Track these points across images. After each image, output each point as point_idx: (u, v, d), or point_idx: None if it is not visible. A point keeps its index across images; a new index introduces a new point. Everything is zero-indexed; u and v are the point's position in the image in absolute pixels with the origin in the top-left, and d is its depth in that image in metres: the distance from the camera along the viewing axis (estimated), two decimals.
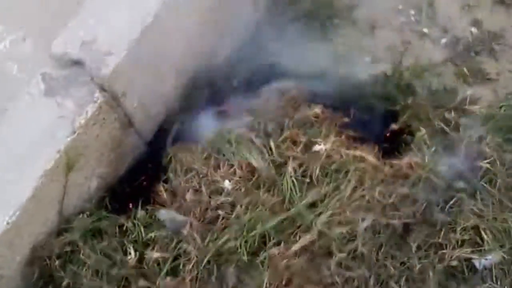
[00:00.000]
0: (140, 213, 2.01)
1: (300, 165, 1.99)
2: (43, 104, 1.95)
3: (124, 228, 1.99)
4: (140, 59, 2.01)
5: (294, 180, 1.95)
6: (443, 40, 2.53)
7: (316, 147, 2.00)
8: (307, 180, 1.96)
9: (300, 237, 1.87)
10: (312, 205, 1.92)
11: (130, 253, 1.93)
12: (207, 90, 2.34)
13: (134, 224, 1.99)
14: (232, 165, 2.00)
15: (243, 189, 1.95)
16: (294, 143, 2.04)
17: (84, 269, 1.89)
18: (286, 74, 2.28)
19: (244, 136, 2.05)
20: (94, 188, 2.09)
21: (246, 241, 1.87)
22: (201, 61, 2.34)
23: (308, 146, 2.03)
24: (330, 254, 1.86)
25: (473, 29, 2.54)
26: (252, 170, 1.99)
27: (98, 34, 1.99)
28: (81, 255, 1.90)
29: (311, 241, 1.85)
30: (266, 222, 1.88)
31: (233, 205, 1.95)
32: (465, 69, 2.41)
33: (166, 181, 2.07)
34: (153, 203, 2.04)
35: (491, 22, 2.55)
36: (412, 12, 2.62)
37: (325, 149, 1.99)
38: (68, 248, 1.92)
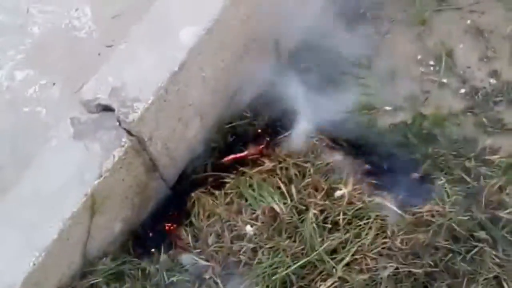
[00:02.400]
0: (163, 257, 2.04)
1: (322, 211, 2.01)
2: (72, 147, 2.00)
3: (147, 272, 2.00)
4: (166, 105, 2.07)
5: (315, 226, 1.96)
6: (462, 90, 2.56)
7: (338, 193, 2.03)
8: (329, 226, 1.98)
9: (321, 284, 1.86)
10: (334, 251, 1.93)
11: None
12: (230, 135, 2.38)
13: (156, 269, 2.00)
14: (254, 210, 2.03)
15: (265, 235, 1.97)
16: (316, 189, 2.06)
17: None
18: (308, 121, 2.32)
19: (267, 181, 2.08)
20: (118, 232, 2.12)
21: (267, 286, 1.88)
22: (225, 107, 2.39)
23: (329, 192, 2.06)
24: None
25: (492, 80, 2.58)
26: (274, 216, 2.01)
27: (126, 81, 2.05)
28: None
29: (333, 287, 1.85)
30: (288, 268, 1.89)
31: (255, 251, 1.96)
32: (484, 119, 2.43)
33: (188, 226, 2.09)
34: (176, 247, 2.06)
35: (509, 73, 2.59)
36: (431, 62, 2.67)
37: (347, 196, 2.01)
38: None
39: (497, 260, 2.01)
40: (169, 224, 2.17)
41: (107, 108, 2.04)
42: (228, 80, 2.35)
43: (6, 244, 1.85)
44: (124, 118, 1.99)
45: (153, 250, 2.09)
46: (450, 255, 2.00)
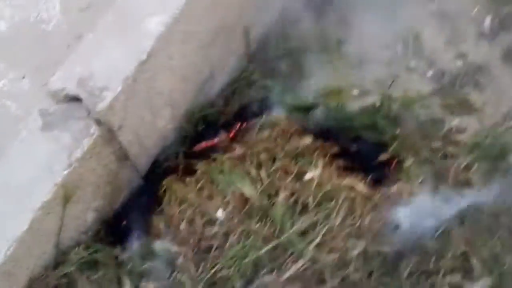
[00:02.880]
0: (135, 245, 2.04)
1: (292, 194, 2.04)
2: (41, 138, 2.00)
3: (120, 260, 2.01)
4: (135, 94, 2.08)
5: (285, 209, 1.99)
6: (429, 73, 2.60)
7: (307, 176, 2.05)
8: (299, 208, 2.01)
9: (292, 265, 1.89)
10: (304, 233, 1.96)
11: (125, 285, 1.95)
12: (201, 123, 2.40)
13: (129, 256, 2.01)
14: (225, 196, 2.05)
15: (236, 219, 1.99)
16: (286, 173, 2.09)
17: None
18: (277, 107, 2.34)
19: (237, 167, 2.10)
20: (90, 221, 2.12)
21: (239, 269, 1.90)
22: (195, 96, 2.41)
23: (299, 175, 2.08)
24: (322, 281, 1.89)
25: (458, 62, 2.62)
26: (245, 200, 2.03)
27: (94, 70, 2.05)
28: (77, 287, 1.92)
29: (304, 268, 1.88)
30: (259, 250, 1.91)
31: (226, 235, 1.98)
32: (451, 101, 2.47)
33: (161, 213, 2.11)
34: (148, 234, 2.07)
35: (475, 55, 2.63)
36: (399, 46, 2.70)
37: (316, 178, 2.04)
38: (64, 280, 1.94)
39: (464, 237, 2.05)
40: (141, 212, 2.16)
41: (76, 98, 2.05)
42: (198, 68, 2.36)
43: None
44: (93, 108, 1.99)
45: (126, 238, 2.09)
46: (418, 233, 2.03)
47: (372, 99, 2.45)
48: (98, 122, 2.02)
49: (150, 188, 2.23)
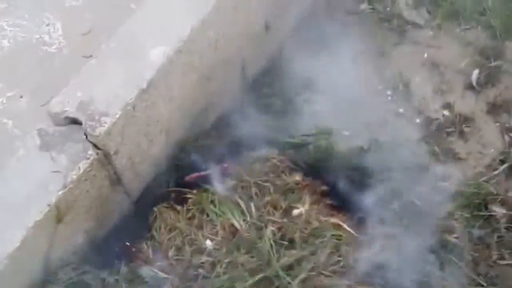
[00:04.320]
0: (123, 269, 2.07)
1: (279, 229, 2.09)
2: (38, 157, 2.04)
3: (106, 282, 2.04)
4: (133, 121, 2.13)
5: (273, 243, 2.04)
6: (417, 120, 2.70)
7: (295, 212, 2.11)
8: (286, 243, 2.06)
9: None
10: (290, 267, 2.01)
11: None
12: (194, 154, 2.45)
13: (116, 280, 2.04)
14: (215, 226, 2.09)
15: (224, 250, 2.03)
16: (275, 207, 2.14)
17: None
18: (270, 142, 2.40)
19: (228, 198, 2.15)
20: (80, 242, 2.15)
21: None
22: (190, 126, 2.47)
23: (287, 211, 2.14)
24: None
25: (445, 112, 2.72)
26: (234, 231, 2.07)
27: (95, 95, 2.11)
28: None
29: None
30: (245, 282, 1.95)
31: (214, 264, 2.02)
32: (436, 148, 2.56)
33: (150, 239, 2.14)
34: (136, 260, 2.10)
35: (461, 106, 2.73)
36: (389, 92, 2.80)
37: (304, 215, 2.10)
38: None
39: (444, 282, 2.11)
40: (131, 237, 2.20)
41: (75, 121, 2.09)
42: (195, 100, 2.43)
43: None
44: (91, 132, 2.04)
45: (114, 261, 2.11)
46: (400, 275, 2.08)
47: (361, 142, 2.52)
48: (96, 146, 2.06)
49: (141, 213, 2.27)
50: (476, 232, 2.23)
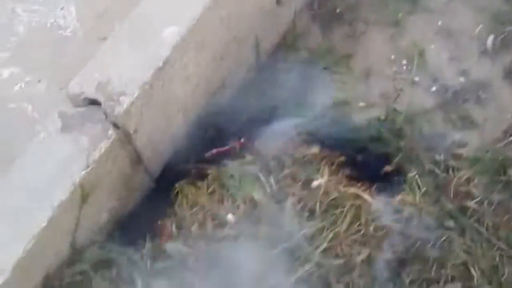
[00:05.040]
0: (147, 246, 2.12)
1: (299, 201, 2.11)
2: (60, 139, 2.07)
3: (132, 260, 2.08)
4: (150, 100, 2.16)
5: (293, 214, 2.07)
6: (433, 88, 2.69)
7: (314, 183, 2.13)
8: (306, 214, 2.08)
9: (299, 268, 1.97)
10: (311, 238, 2.04)
11: (137, 284, 2.02)
12: (212, 130, 2.48)
13: (141, 256, 2.08)
14: (235, 200, 2.12)
15: (245, 223, 2.06)
16: (294, 180, 2.17)
17: None
18: (286, 116, 2.42)
19: (247, 172, 2.18)
20: (104, 222, 2.20)
21: None
22: (206, 104, 2.49)
23: (306, 183, 2.16)
24: (328, 285, 1.96)
25: (461, 79, 2.71)
26: (255, 205, 2.10)
27: (112, 76, 2.13)
28: (91, 284, 1.98)
29: (310, 272, 1.96)
30: (267, 252, 1.99)
31: (236, 238, 2.05)
32: (453, 116, 2.56)
33: (172, 215, 2.18)
34: (160, 236, 2.14)
35: (477, 72, 2.73)
36: (404, 61, 2.79)
37: (323, 186, 2.12)
38: (79, 278, 2.01)
39: (465, 247, 2.12)
40: (153, 215, 2.23)
41: (94, 102, 2.12)
42: (210, 78, 2.44)
43: None
44: (111, 111, 2.07)
45: (138, 239, 2.16)
46: (420, 242, 2.11)
47: (378, 112, 2.53)
48: (115, 126, 2.09)
49: (162, 191, 2.30)
50: (496, 197, 2.23)
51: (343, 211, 2.08)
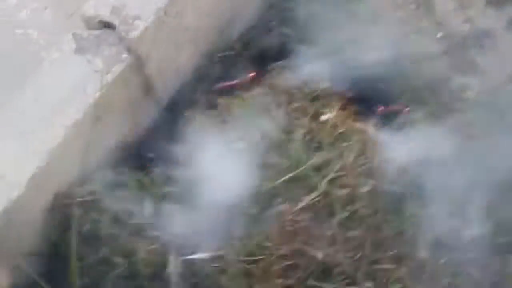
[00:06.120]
0: (158, 171, 2.15)
1: (308, 132, 2.16)
2: (74, 60, 2.09)
3: (143, 183, 2.12)
4: (164, 27, 2.17)
5: (302, 144, 2.11)
6: (439, 34, 2.72)
7: (323, 117, 2.18)
8: (314, 145, 2.13)
9: (306, 196, 2.02)
10: (318, 168, 2.09)
11: (147, 206, 2.06)
12: (221, 64, 2.50)
13: (151, 180, 2.12)
14: (246, 129, 2.16)
15: (255, 151, 2.11)
16: (303, 113, 2.21)
17: (104, 217, 2.02)
18: (294, 53, 2.45)
19: (258, 104, 2.21)
20: (114, 146, 2.22)
21: (255, 198, 2.03)
22: (216, 37, 2.50)
23: (315, 116, 2.20)
24: (332, 213, 2.02)
25: (466, 26, 2.74)
26: (264, 134, 2.14)
27: (126, 1, 2.13)
28: (102, 204, 2.02)
29: (316, 200, 2.02)
30: (275, 181, 2.04)
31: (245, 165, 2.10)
32: (458, 61, 2.60)
33: (182, 143, 2.21)
34: (170, 162, 2.18)
35: (482, 21, 2.76)
36: (411, 7, 2.82)
37: (331, 120, 2.17)
38: (90, 197, 2.05)
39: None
40: (162, 142, 2.26)
41: (108, 25, 2.13)
42: (221, 9, 2.45)
43: (8, 149, 1.93)
44: (125, 35, 2.08)
45: (147, 165, 2.19)
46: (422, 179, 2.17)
47: (384, 54, 2.56)
48: (129, 50, 2.10)
49: (170, 120, 2.33)
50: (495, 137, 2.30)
51: (350, 144, 2.13)
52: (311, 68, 2.39)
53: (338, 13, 2.71)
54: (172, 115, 2.35)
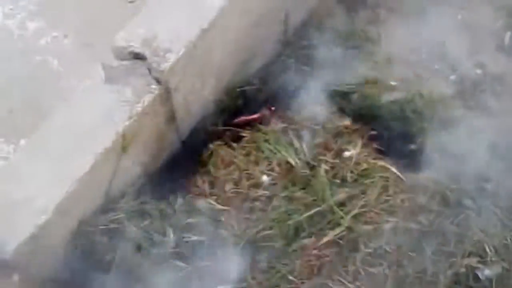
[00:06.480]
0: (179, 201, 2.16)
1: (332, 168, 2.19)
2: (104, 89, 2.11)
3: (164, 213, 2.13)
4: (192, 60, 2.20)
5: (327, 180, 2.14)
6: (452, 77, 2.80)
7: (346, 154, 2.21)
8: (338, 181, 2.16)
9: (330, 231, 2.04)
10: (342, 204, 2.11)
11: (169, 235, 2.06)
12: (239, 99, 2.54)
13: (174, 210, 2.13)
14: (270, 162, 2.19)
15: (280, 184, 2.13)
16: (326, 148, 2.24)
17: (127, 246, 2.01)
18: (315, 90, 2.49)
19: (282, 138, 2.24)
20: (137, 175, 2.23)
21: (280, 231, 2.04)
22: (237, 72, 2.54)
23: (338, 152, 2.24)
24: (356, 249, 2.04)
25: (478, 71, 2.82)
26: (289, 168, 2.17)
27: (157, 33, 2.18)
28: (125, 232, 2.02)
29: (340, 235, 2.04)
30: (300, 215, 2.06)
31: (270, 198, 2.12)
32: (471, 103, 2.67)
33: (205, 174, 2.23)
34: (191, 193, 2.19)
35: (494, 66, 2.84)
36: (424, 50, 2.89)
37: (354, 156, 2.20)
38: (113, 226, 2.04)
39: (481, 226, 2.23)
40: (182, 174, 2.28)
41: (138, 57, 2.16)
42: (244, 46, 2.50)
43: (39, 173, 1.93)
44: (156, 67, 2.11)
45: (169, 195, 2.20)
46: (441, 217, 2.20)
47: (401, 94, 2.62)
48: (158, 81, 2.13)
49: (189, 151, 2.35)
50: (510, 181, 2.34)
51: (373, 182, 2.16)
52: (332, 105, 2.42)
53: (355, 53, 2.78)
54: (191, 147, 2.37)
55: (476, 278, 2.17)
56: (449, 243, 2.16)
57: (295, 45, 2.79)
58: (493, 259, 2.19)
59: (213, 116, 2.49)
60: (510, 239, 2.25)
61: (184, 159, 2.36)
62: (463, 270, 2.14)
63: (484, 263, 2.18)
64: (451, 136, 2.47)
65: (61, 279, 1.97)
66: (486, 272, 2.18)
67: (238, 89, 2.55)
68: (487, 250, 2.19)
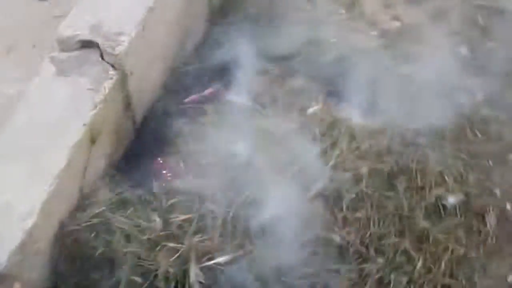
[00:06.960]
0: (155, 184, 2.11)
1: (300, 127, 2.23)
2: (59, 82, 2.01)
3: (145, 199, 2.07)
4: (143, 42, 2.16)
5: (298, 139, 2.19)
6: (374, 33, 2.95)
7: (310, 111, 2.27)
8: (308, 137, 2.22)
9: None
10: (318, 157, 2.17)
11: (155, 220, 2.01)
12: (184, 79, 2.52)
13: (154, 195, 2.08)
14: (241, 131, 2.19)
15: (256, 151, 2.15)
16: (290, 109, 2.28)
17: (115, 238, 1.94)
18: (259, 58, 2.53)
19: (244, 107, 2.25)
20: (104, 167, 2.15)
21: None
22: (177, 52, 2.52)
23: (302, 111, 2.29)
24: (340, 197, 2.11)
25: (396, 23, 2.99)
26: (260, 133, 2.19)
27: (104, 17, 2.11)
28: (110, 225, 1.95)
29: (324, 187, 2.09)
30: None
31: (248, 165, 2.12)
32: (397, 52, 2.83)
33: (176, 153, 2.19)
34: (165, 174, 2.15)
35: (408, 17, 3.03)
36: (343, 11, 3.03)
37: (317, 112, 2.27)
38: (96, 220, 1.96)
39: (439, 158, 2.38)
40: (147, 158, 2.22)
41: (88, 45, 2.08)
42: (181, 24, 2.47)
43: (13, 175, 1.81)
44: (111, 51, 2.04)
45: (141, 181, 2.14)
46: (403, 156, 2.33)
47: (334, 53, 2.72)
48: (113, 67, 2.07)
49: (152, 135, 2.30)
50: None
51: (340, 133, 2.23)
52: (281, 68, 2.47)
53: (282, 21, 2.84)
54: (147, 132, 2.32)
55: (444, 207, 2.30)
56: (415, 178, 2.27)
57: (222, 23, 2.80)
58: (454, 187, 2.33)
59: (163, 99, 2.44)
60: (463, 168, 2.40)
61: (147, 144, 2.29)
62: (432, 200, 2.26)
63: (447, 191, 2.32)
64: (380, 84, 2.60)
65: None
66: (450, 200, 2.33)
67: (181, 70, 2.51)
68: (446, 179, 2.33)
